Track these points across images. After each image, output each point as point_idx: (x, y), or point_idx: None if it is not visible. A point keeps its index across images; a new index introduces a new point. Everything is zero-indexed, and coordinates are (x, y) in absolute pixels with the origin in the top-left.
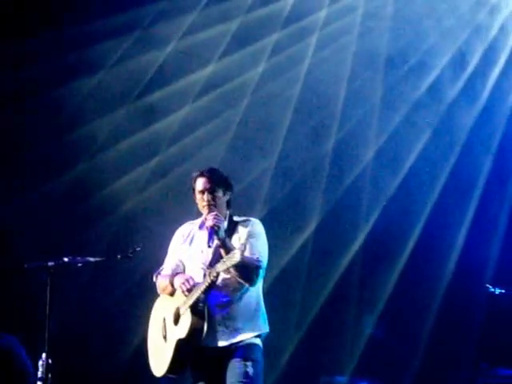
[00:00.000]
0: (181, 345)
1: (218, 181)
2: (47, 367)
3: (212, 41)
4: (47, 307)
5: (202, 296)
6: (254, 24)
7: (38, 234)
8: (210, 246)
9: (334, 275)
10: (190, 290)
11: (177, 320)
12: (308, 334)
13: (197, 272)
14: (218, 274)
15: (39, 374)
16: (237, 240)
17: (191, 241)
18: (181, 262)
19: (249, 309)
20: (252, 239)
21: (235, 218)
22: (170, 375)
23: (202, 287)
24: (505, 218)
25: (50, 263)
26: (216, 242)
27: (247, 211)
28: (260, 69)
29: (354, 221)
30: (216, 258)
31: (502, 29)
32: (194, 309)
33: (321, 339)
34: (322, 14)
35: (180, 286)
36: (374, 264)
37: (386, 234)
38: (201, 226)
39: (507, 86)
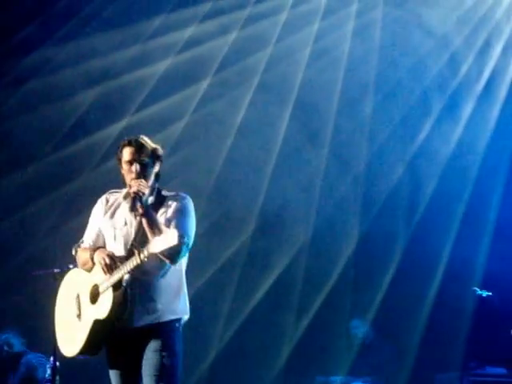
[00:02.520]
0: (98, 325)
1: (147, 150)
2: (55, 370)
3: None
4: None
5: (127, 276)
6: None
7: (44, 241)
8: (132, 211)
9: (328, 280)
10: (111, 268)
11: (94, 298)
12: (304, 336)
13: (118, 246)
14: (149, 255)
15: (47, 376)
16: (163, 214)
17: (114, 211)
18: (101, 233)
19: (170, 290)
20: (179, 215)
21: (163, 193)
22: (83, 356)
23: (128, 267)
24: (492, 223)
25: (56, 270)
26: (139, 211)
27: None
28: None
29: (346, 227)
30: (141, 232)
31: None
32: (116, 288)
33: (317, 340)
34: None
35: (100, 263)
36: (367, 267)
37: (378, 240)
38: (126, 197)
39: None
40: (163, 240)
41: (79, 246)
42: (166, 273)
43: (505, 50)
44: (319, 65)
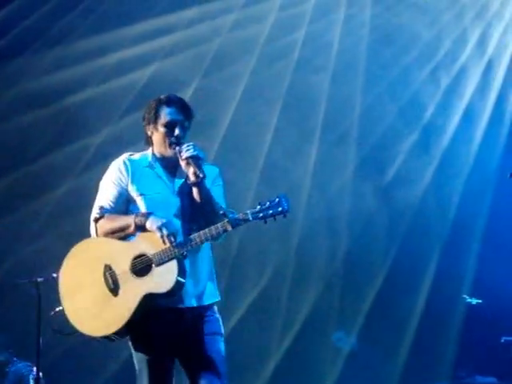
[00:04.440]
0: (148, 301)
1: (189, 112)
2: (38, 381)
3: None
4: (38, 321)
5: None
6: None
7: (28, 250)
8: (197, 178)
9: (314, 290)
10: (174, 238)
11: (143, 270)
12: (290, 348)
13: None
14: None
15: None
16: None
17: (140, 177)
18: (125, 200)
19: (210, 269)
20: (218, 186)
21: None
22: (114, 337)
23: (193, 242)
24: (481, 230)
25: (39, 279)
26: (194, 179)
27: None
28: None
29: (334, 236)
30: (184, 201)
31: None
32: (181, 262)
33: (302, 353)
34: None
35: (162, 231)
36: (354, 277)
37: (366, 250)
38: (155, 161)
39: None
40: (269, 207)
41: (101, 213)
42: (207, 251)
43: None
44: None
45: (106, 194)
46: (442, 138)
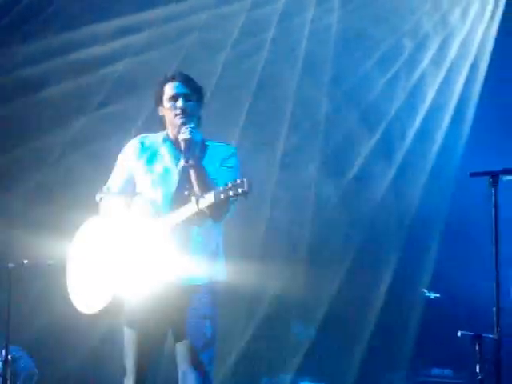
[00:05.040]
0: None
1: (194, 85)
2: (6, 364)
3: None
4: (8, 308)
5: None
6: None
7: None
8: (187, 160)
9: (279, 279)
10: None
11: (135, 248)
12: (251, 340)
13: (156, 195)
14: (211, 205)
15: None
16: (206, 166)
17: (150, 157)
18: (132, 180)
19: (209, 248)
20: (226, 168)
21: (207, 142)
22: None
23: (182, 215)
24: (440, 224)
25: (11, 265)
26: (190, 161)
27: None
28: None
29: (298, 228)
30: (184, 181)
31: None
32: (161, 238)
33: (265, 341)
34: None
35: (146, 210)
36: (317, 270)
37: (328, 241)
38: (166, 140)
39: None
40: (233, 187)
41: (103, 194)
42: (205, 229)
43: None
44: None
45: (112, 174)
46: (404, 139)
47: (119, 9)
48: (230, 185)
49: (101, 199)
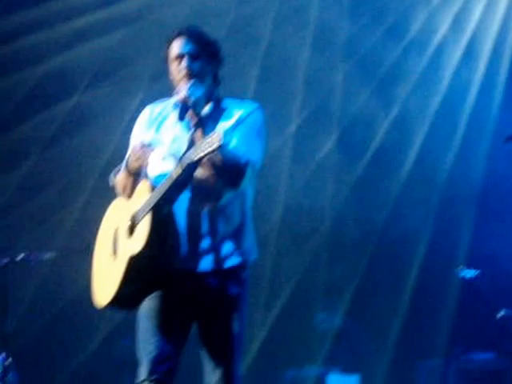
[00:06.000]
0: (134, 264)
1: (202, 40)
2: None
3: None
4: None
5: (168, 196)
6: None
7: None
8: (181, 119)
9: (301, 264)
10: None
11: (131, 230)
12: (274, 329)
13: (167, 167)
14: (191, 166)
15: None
16: (222, 128)
17: (160, 124)
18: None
19: (231, 224)
20: (242, 126)
21: (225, 102)
22: (118, 308)
23: (166, 184)
24: (476, 198)
25: (5, 260)
26: (192, 121)
27: None
28: None
29: (320, 210)
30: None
31: None
32: (157, 214)
33: (287, 333)
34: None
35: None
36: (343, 252)
37: (354, 223)
38: (177, 105)
39: None
40: (205, 142)
41: (115, 173)
42: (226, 203)
43: None
44: None
45: (129, 149)
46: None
47: None
48: (201, 140)
49: (114, 177)
